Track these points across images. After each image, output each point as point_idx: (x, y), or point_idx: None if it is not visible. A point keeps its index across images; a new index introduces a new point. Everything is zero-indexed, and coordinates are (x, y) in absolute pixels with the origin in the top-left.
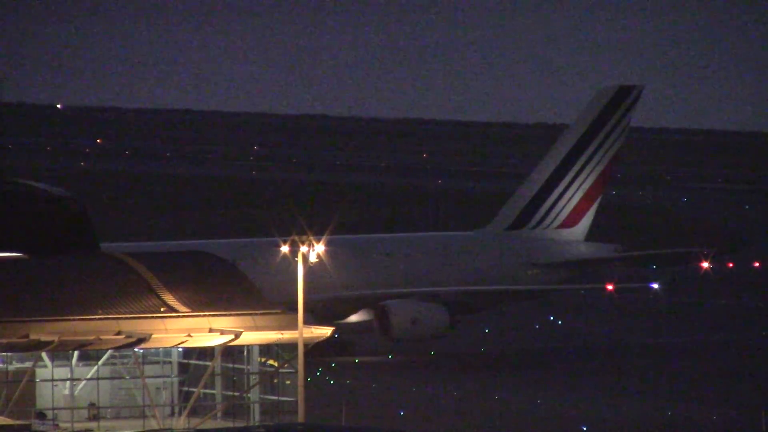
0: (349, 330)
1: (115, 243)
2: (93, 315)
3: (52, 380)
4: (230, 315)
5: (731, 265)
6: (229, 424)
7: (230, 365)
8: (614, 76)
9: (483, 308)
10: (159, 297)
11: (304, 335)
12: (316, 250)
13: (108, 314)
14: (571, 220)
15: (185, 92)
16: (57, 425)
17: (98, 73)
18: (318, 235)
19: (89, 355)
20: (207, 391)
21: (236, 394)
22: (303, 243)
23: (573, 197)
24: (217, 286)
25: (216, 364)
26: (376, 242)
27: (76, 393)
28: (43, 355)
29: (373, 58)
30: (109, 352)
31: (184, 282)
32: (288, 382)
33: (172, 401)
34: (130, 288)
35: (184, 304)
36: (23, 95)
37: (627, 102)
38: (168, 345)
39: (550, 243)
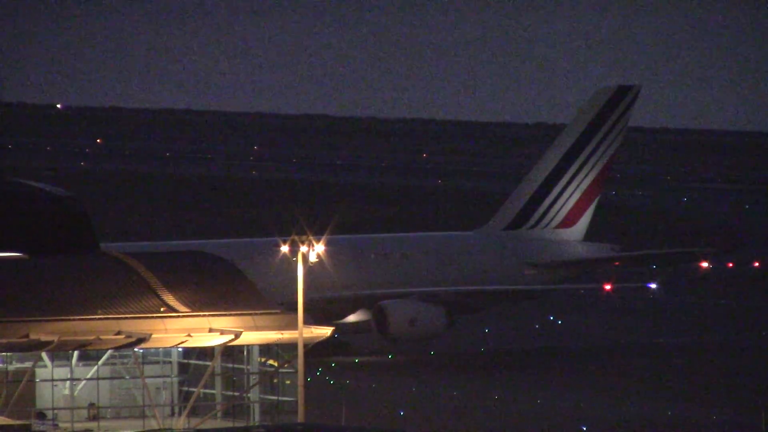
0: (347, 330)
1: (115, 243)
2: (93, 315)
3: (52, 380)
4: (230, 315)
5: (731, 265)
6: (229, 424)
7: (230, 365)
8: (615, 76)
9: (481, 308)
10: (159, 297)
11: (304, 335)
12: (315, 250)
13: (108, 314)
14: (570, 220)
15: (185, 92)
16: (57, 425)
17: (98, 73)
18: (318, 235)
19: (89, 355)
20: (207, 391)
21: (236, 394)
22: (303, 243)
23: (571, 197)
24: (217, 286)
25: (216, 364)
26: (373, 242)
27: (76, 393)
28: (43, 355)
29: (373, 58)
30: (109, 352)
31: (184, 282)
32: (288, 382)
33: (172, 401)
34: (130, 288)
35: (184, 304)
36: (23, 95)
37: (625, 102)
38: (168, 345)
39: (548, 243)
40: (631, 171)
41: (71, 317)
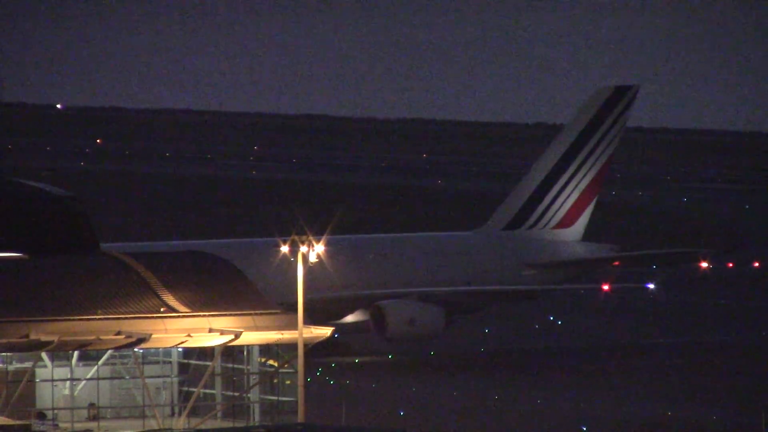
0: (345, 330)
1: (115, 243)
2: (93, 315)
3: (52, 380)
4: (230, 315)
5: (731, 265)
6: (229, 424)
7: (230, 365)
8: (615, 76)
9: (479, 308)
10: (159, 297)
11: (304, 335)
12: (315, 250)
13: (108, 314)
14: (568, 220)
15: (185, 92)
16: (57, 425)
17: (98, 73)
18: (318, 235)
19: (89, 355)
20: (207, 391)
21: (236, 394)
22: (303, 243)
23: (569, 197)
24: (217, 286)
25: (216, 364)
26: (371, 242)
27: (76, 393)
28: (43, 355)
29: (373, 58)
30: (109, 352)
31: (184, 282)
32: (288, 382)
33: (172, 401)
34: (130, 288)
35: (184, 304)
36: (23, 95)
37: (623, 102)
38: (168, 345)
39: (547, 243)
40: (631, 171)
41: (71, 317)
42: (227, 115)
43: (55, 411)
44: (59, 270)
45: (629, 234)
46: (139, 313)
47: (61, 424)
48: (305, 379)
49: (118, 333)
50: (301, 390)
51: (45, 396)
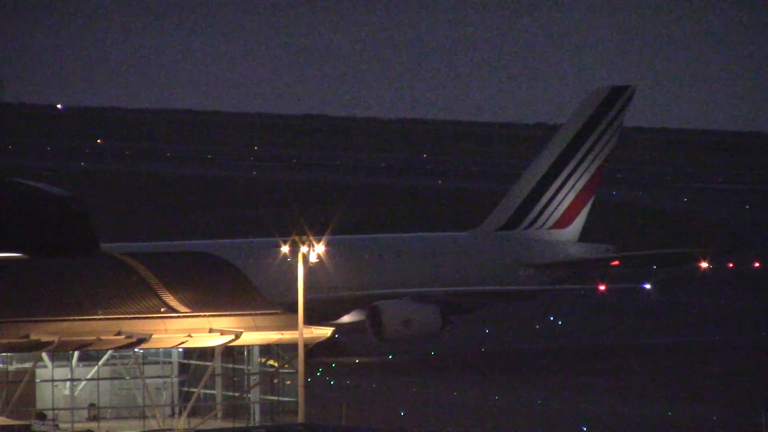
0: (342, 330)
1: (115, 243)
2: (93, 315)
3: (53, 381)
4: (230, 315)
5: (731, 265)
6: (230, 425)
7: (230, 365)
8: (615, 76)
9: (475, 309)
10: (159, 297)
11: (305, 335)
12: (316, 251)
13: (108, 314)
14: (564, 221)
15: (185, 92)
16: (57, 426)
17: (98, 73)
18: (318, 235)
19: (89, 356)
20: (207, 391)
21: (236, 394)
22: (303, 243)
23: (566, 198)
24: (217, 286)
25: (216, 364)
26: (368, 243)
27: (76, 393)
28: (44, 355)
29: (373, 58)
30: (109, 352)
31: (184, 282)
32: (288, 382)
33: (173, 401)
34: (130, 288)
35: (185, 304)
36: (23, 95)
37: (620, 103)
38: (168, 345)
39: (543, 243)
40: (631, 171)
41: (71, 317)
42: (227, 115)
43: (56, 411)
44: (59, 270)
45: (629, 234)
46: (140, 314)
47: (61, 425)
48: (305, 379)
49: (119, 333)
50: (301, 390)
51: (45, 396)
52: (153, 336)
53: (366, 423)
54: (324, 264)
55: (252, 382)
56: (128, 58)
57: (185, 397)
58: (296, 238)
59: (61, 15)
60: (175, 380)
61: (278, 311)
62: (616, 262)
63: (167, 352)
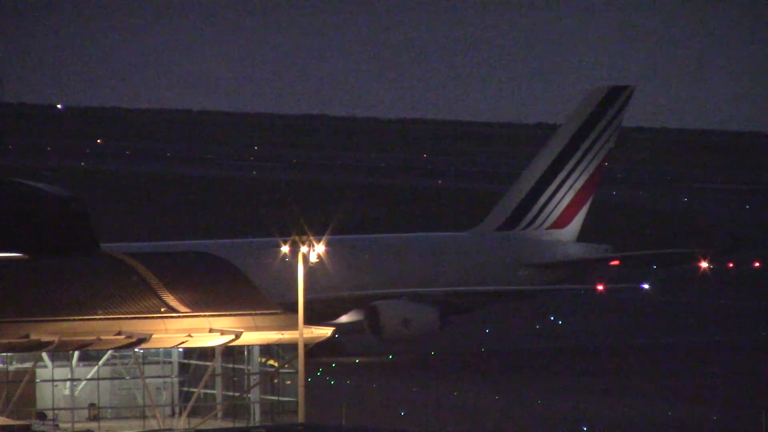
0: (340, 330)
1: (115, 243)
2: (93, 315)
3: (53, 380)
4: (230, 315)
5: (731, 265)
6: (230, 425)
7: (230, 365)
8: (616, 75)
9: (473, 309)
10: (159, 297)
11: (305, 335)
12: (316, 251)
13: (108, 314)
14: (563, 221)
15: (185, 92)
16: (57, 426)
17: (98, 73)
18: (318, 235)
19: (89, 356)
20: (207, 391)
21: (236, 394)
22: (303, 243)
23: (564, 198)
24: (217, 286)
25: (216, 364)
26: (366, 243)
27: (76, 393)
28: (44, 355)
29: (373, 58)
30: (110, 352)
31: (185, 282)
32: (288, 382)
33: (173, 401)
34: (130, 288)
35: (185, 304)
36: (23, 95)
37: (618, 102)
38: (168, 345)
39: (542, 243)
40: (631, 171)
41: (72, 317)
42: (227, 115)
43: (56, 411)
44: (59, 270)
45: (628, 234)
46: (140, 314)
47: (61, 425)
48: (306, 379)
49: (119, 333)
50: (301, 390)
51: (45, 396)
52: (153, 336)
53: (366, 423)
54: (323, 264)
55: (252, 382)
56: (128, 58)
57: (185, 397)
58: (296, 238)
59: (61, 15)
60: (175, 380)
61: (278, 311)
62: (617, 262)
63: (167, 352)
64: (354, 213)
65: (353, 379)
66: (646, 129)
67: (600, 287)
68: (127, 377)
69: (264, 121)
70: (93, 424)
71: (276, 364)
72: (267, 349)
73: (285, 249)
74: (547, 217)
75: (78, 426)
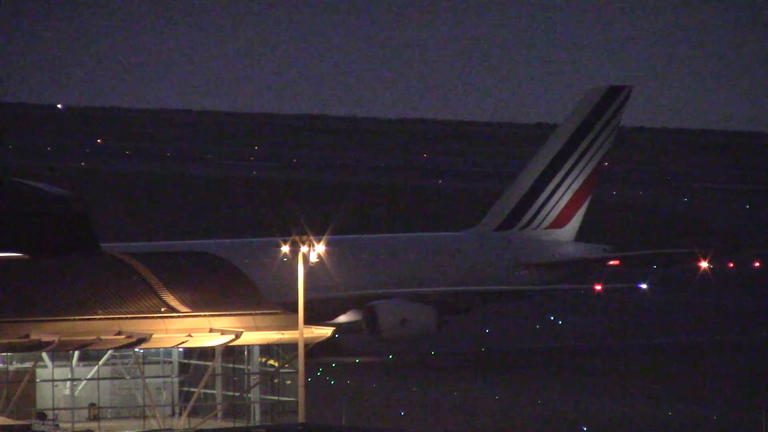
0: (339, 330)
1: (115, 243)
2: (93, 315)
3: (53, 380)
4: (230, 315)
5: (731, 265)
6: (230, 425)
7: (231, 365)
8: (616, 75)
9: (471, 308)
10: (159, 297)
11: (305, 335)
12: (316, 250)
13: (108, 314)
14: (561, 221)
15: (185, 92)
16: (57, 425)
17: (98, 73)
18: (318, 235)
19: (89, 356)
20: (207, 391)
21: (237, 394)
22: (303, 243)
23: (562, 198)
24: (217, 286)
25: (216, 364)
26: (365, 243)
27: (76, 393)
28: (44, 355)
29: (373, 58)
30: (110, 352)
31: (185, 282)
32: (288, 382)
33: (173, 401)
34: (131, 288)
35: (185, 304)
36: (23, 95)
37: (617, 102)
38: (168, 345)
39: (540, 243)
40: (631, 171)
41: (72, 317)
42: (227, 115)
43: (56, 411)
44: (59, 270)
45: (628, 234)
46: (140, 313)
47: (61, 425)
48: (306, 379)
49: (119, 333)
50: (301, 390)
51: (45, 396)
52: (153, 336)
53: (366, 423)
54: (322, 264)
55: (252, 382)
56: (128, 58)
57: (185, 396)
58: (296, 237)
59: (61, 15)
60: (176, 380)
61: (278, 311)
62: (616, 262)
63: (167, 351)
64: (354, 213)
65: (353, 379)
66: (645, 129)
67: (598, 287)
68: (127, 377)
69: (264, 121)
70: (93, 424)
71: (276, 364)
72: (267, 349)
73: (285, 249)
74: (546, 216)
75: (78, 426)
